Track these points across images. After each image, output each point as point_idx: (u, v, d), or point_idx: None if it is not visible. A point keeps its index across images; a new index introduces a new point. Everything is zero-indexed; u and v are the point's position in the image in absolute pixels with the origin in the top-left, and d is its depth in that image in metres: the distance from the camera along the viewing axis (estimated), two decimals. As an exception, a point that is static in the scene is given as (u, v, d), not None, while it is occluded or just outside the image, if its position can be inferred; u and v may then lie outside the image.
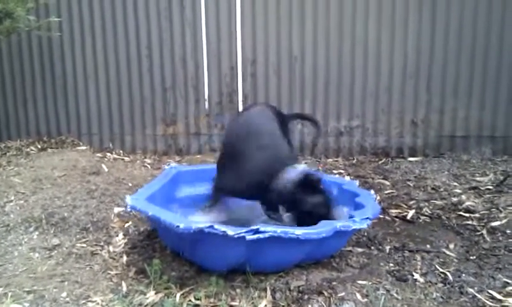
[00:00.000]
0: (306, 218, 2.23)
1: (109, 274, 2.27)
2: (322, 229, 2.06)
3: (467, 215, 2.94)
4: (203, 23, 4.37)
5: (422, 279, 2.18)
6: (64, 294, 2.06)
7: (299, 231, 2.00)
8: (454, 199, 3.22)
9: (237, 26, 4.35)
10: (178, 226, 1.99)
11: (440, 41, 4.24)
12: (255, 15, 4.33)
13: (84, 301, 2.01)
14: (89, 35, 4.49)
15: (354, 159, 4.37)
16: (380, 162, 4.26)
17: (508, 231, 2.67)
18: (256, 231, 1.95)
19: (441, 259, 2.38)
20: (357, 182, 2.98)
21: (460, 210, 3.03)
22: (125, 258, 2.42)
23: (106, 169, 3.81)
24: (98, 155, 4.33)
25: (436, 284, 2.15)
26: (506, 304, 1.97)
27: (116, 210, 2.99)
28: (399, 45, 4.28)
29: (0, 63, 4.61)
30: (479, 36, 4.20)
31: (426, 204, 3.17)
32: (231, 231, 1.94)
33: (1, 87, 4.65)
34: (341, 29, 4.30)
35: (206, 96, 4.48)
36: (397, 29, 4.26)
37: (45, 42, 4.52)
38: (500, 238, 2.60)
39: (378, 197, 3.25)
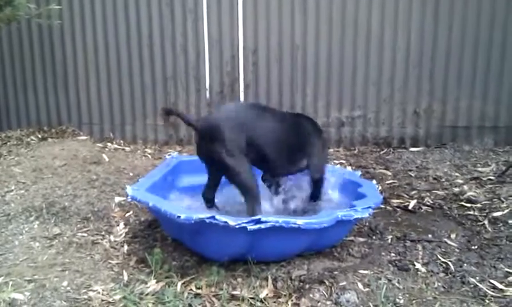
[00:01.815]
0: None
1: (110, 263, 2.27)
2: (323, 219, 2.05)
3: (469, 205, 2.94)
4: (205, 11, 4.33)
5: (423, 269, 2.18)
6: (65, 283, 2.06)
7: (301, 221, 1.99)
8: (456, 190, 3.21)
9: (239, 14, 4.31)
10: (179, 217, 1.98)
11: (443, 31, 4.20)
12: (257, 3, 4.29)
13: (85, 290, 2.01)
14: (90, 23, 4.46)
15: (355, 149, 4.35)
16: (382, 153, 4.25)
17: (510, 221, 2.65)
18: (258, 221, 1.94)
19: (443, 249, 2.38)
20: (359, 172, 2.97)
21: (462, 200, 3.01)
22: (125, 248, 2.42)
23: (107, 159, 3.80)
24: (99, 145, 4.31)
25: (437, 273, 2.15)
26: (508, 293, 1.97)
27: (117, 199, 2.98)
28: (402, 34, 4.24)
29: (0, 52, 4.58)
30: (482, 26, 4.16)
31: (428, 194, 3.16)
32: (232, 221, 1.93)
33: (1, 77, 4.62)
34: (343, 18, 4.26)
35: (207, 86, 4.46)
36: (400, 18, 4.22)
37: (46, 31, 4.47)
38: (502, 229, 2.59)
39: (380, 188, 3.23)
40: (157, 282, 2.06)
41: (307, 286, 2.02)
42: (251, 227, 1.92)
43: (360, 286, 2.01)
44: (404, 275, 2.13)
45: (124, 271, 2.17)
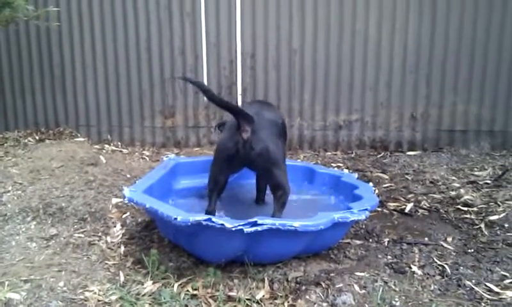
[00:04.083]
0: None
1: (106, 264, 2.27)
2: (320, 221, 2.06)
3: (465, 208, 2.94)
4: (203, 15, 4.34)
5: (419, 272, 2.18)
6: (61, 283, 2.05)
7: (297, 223, 1.99)
8: (453, 193, 3.22)
9: (237, 19, 4.32)
10: (175, 219, 1.98)
11: (440, 35, 4.22)
12: (255, 8, 4.30)
13: (81, 290, 2.01)
14: (88, 25, 4.46)
15: (352, 153, 4.36)
16: (379, 156, 4.26)
17: (506, 225, 2.66)
18: (254, 224, 1.94)
19: (439, 252, 2.39)
20: (356, 175, 2.97)
21: (458, 204, 3.02)
22: (122, 249, 2.42)
23: (104, 161, 3.80)
24: (96, 146, 4.31)
25: (433, 276, 2.16)
26: (503, 296, 1.98)
27: (114, 200, 2.98)
28: (399, 39, 4.26)
29: (-2, 53, 4.59)
30: (479, 30, 4.18)
31: (424, 197, 3.17)
32: (229, 223, 1.93)
33: (-1, 78, 4.63)
34: (341, 23, 4.28)
35: (205, 89, 4.45)
36: (397, 23, 4.24)
37: (44, 32, 4.48)
38: (498, 232, 2.60)
39: (377, 191, 3.25)
40: (153, 283, 2.06)
41: (303, 287, 2.02)
42: (247, 229, 1.92)
43: (357, 288, 2.01)
44: (400, 277, 2.13)
45: (121, 272, 2.17)
